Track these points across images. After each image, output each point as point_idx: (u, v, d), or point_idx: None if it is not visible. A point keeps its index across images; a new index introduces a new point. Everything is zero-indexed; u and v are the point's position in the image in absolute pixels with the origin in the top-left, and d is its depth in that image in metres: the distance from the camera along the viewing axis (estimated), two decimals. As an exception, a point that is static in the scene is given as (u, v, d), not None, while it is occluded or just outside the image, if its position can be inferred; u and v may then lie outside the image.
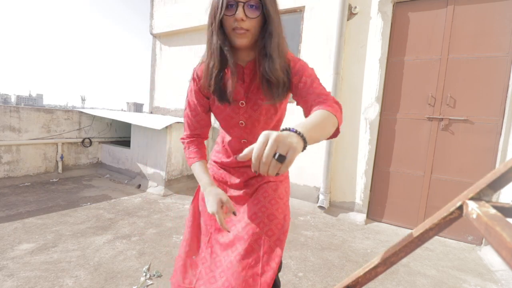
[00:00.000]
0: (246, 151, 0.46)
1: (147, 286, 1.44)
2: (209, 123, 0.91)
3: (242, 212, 0.84)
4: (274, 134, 0.44)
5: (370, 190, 2.66)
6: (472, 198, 0.36)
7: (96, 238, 1.92)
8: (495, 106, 2.15)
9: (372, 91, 2.58)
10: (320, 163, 2.79)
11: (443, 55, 2.32)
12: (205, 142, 0.98)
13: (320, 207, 2.76)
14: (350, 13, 2.66)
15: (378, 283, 1.59)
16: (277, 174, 0.46)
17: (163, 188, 3.11)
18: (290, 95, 0.80)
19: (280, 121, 0.88)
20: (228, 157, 0.90)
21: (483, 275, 1.76)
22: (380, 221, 2.62)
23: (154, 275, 1.53)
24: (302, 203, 2.89)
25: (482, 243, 2.19)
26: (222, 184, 0.92)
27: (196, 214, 0.93)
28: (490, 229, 0.28)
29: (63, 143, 3.58)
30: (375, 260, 0.45)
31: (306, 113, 0.72)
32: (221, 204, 0.74)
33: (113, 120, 4.15)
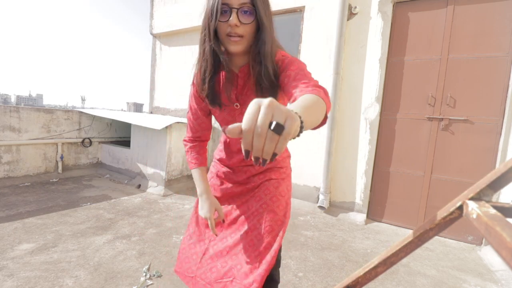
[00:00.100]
0: (235, 124, 0.37)
1: (147, 286, 1.44)
2: (209, 126, 0.94)
3: (243, 208, 0.87)
4: (266, 100, 0.36)
5: (370, 190, 2.66)
6: (472, 198, 0.36)
7: (96, 238, 1.92)
8: (495, 106, 2.15)
9: (372, 91, 2.58)
10: (320, 163, 2.79)
11: (443, 55, 2.32)
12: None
13: (320, 207, 2.76)
14: (350, 13, 2.66)
15: (378, 283, 1.59)
16: (274, 155, 0.37)
17: (163, 188, 3.11)
18: None
19: None
20: (230, 157, 0.92)
21: (483, 275, 1.76)
22: (380, 221, 2.62)
23: (154, 275, 1.53)
24: (302, 203, 2.89)
25: (482, 243, 2.19)
26: (226, 181, 0.93)
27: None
28: (490, 229, 0.28)
29: (63, 143, 3.58)
30: (375, 260, 0.45)
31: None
32: (214, 211, 0.85)
33: (113, 120, 4.15)
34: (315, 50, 2.86)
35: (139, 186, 3.29)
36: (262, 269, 0.74)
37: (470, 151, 2.25)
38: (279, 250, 0.87)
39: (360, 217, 2.61)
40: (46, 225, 2.06)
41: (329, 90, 2.68)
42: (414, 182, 2.47)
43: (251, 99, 0.78)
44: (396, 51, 2.52)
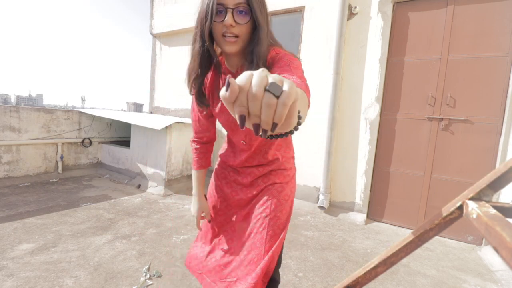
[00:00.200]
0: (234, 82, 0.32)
1: (147, 286, 1.44)
2: (210, 128, 0.96)
3: (247, 212, 0.88)
4: (260, 69, 0.33)
5: (370, 190, 2.66)
6: (472, 198, 0.36)
7: (96, 238, 1.92)
8: (495, 106, 2.15)
9: (372, 91, 2.58)
10: (320, 163, 2.79)
11: (443, 55, 2.32)
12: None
13: (320, 207, 2.76)
14: (350, 13, 2.66)
15: (378, 283, 1.59)
16: (275, 125, 0.32)
17: (163, 188, 3.11)
18: None
19: None
20: (235, 157, 0.92)
21: (483, 275, 1.76)
22: (380, 221, 2.62)
23: (154, 275, 1.53)
24: (302, 203, 2.89)
25: (482, 243, 2.19)
26: (231, 182, 0.94)
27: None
28: (490, 229, 0.28)
29: (63, 143, 3.58)
30: (375, 260, 0.45)
31: None
32: (201, 213, 0.97)
33: (113, 120, 4.15)
34: (315, 50, 2.86)
35: (139, 186, 3.29)
36: (264, 270, 0.75)
37: (470, 151, 2.25)
38: (280, 251, 0.88)
39: (360, 217, 2.61)
40: (46, 225, 2.06)
41: (329, 90, 2.68)
42: (414, 182, 2.47)
43: None
44: (396, 51, 2.52)
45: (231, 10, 0.64)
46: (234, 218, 0.91)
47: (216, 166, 1.02)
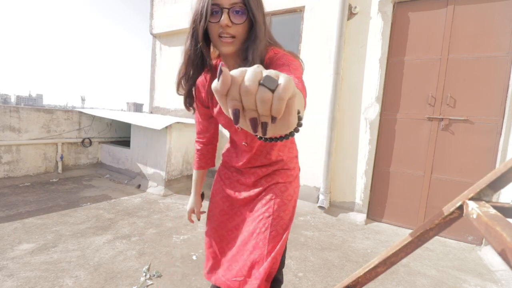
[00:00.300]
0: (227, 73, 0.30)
1: (147, 286, 1.44)
2: (210, 128, 0.97)
3: (250, 212, 0.88)
4: (255, 65, 0.31)
5: (370, 190, 2.66)
6: (472, 198, 0.36)
7: (96, 238, 1.92)
8: (495, 106, 2.15)
9: (372, 91, 2.58)
10: (320, 163, 2.79)
11: (443, 55, 2.32)
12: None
13: (320, 207, 2.76)
14: (350, 13, 2.66)
15: (378, 283, 1.59)
16: (273, 119, 0.30)
17: (163, 188, 3.11)
18: None
19: None
20: (237, 159, 0.92)
21: (483, 275, 1.76)
22: (380, 221, 2.62)
23: (154, 275, 1.53)
24: (302, 203, 2.89)
25: (482, 243, 2.19)
26: (234, 182, 0.94)
27: (213, 211, 0.99)
28: (490, 229, 0.28)
29: (63, 143, 3.58)
30: (375, 260, 0.45)
31: None
32: (192, 211, 1.06)
33: (113, 120, 4.15)
34: (315, 50, 2.86)
35: (139, 186, 3.29)
36: (267, 271, 0.74)
37: (470, 151, 2.25)
38: (284, 251, 0.88)
39: (360, 217, 2.61)
40: (46, 225, 2.06)
41: (329, 90, 2.68)
42: (414, 182, 2.47)
43: None
44: (396, 51, 2.52)
45: (227, 10, 0.63)
46: (237, 218, 0.91)
47: (219, 166, 1.02)
